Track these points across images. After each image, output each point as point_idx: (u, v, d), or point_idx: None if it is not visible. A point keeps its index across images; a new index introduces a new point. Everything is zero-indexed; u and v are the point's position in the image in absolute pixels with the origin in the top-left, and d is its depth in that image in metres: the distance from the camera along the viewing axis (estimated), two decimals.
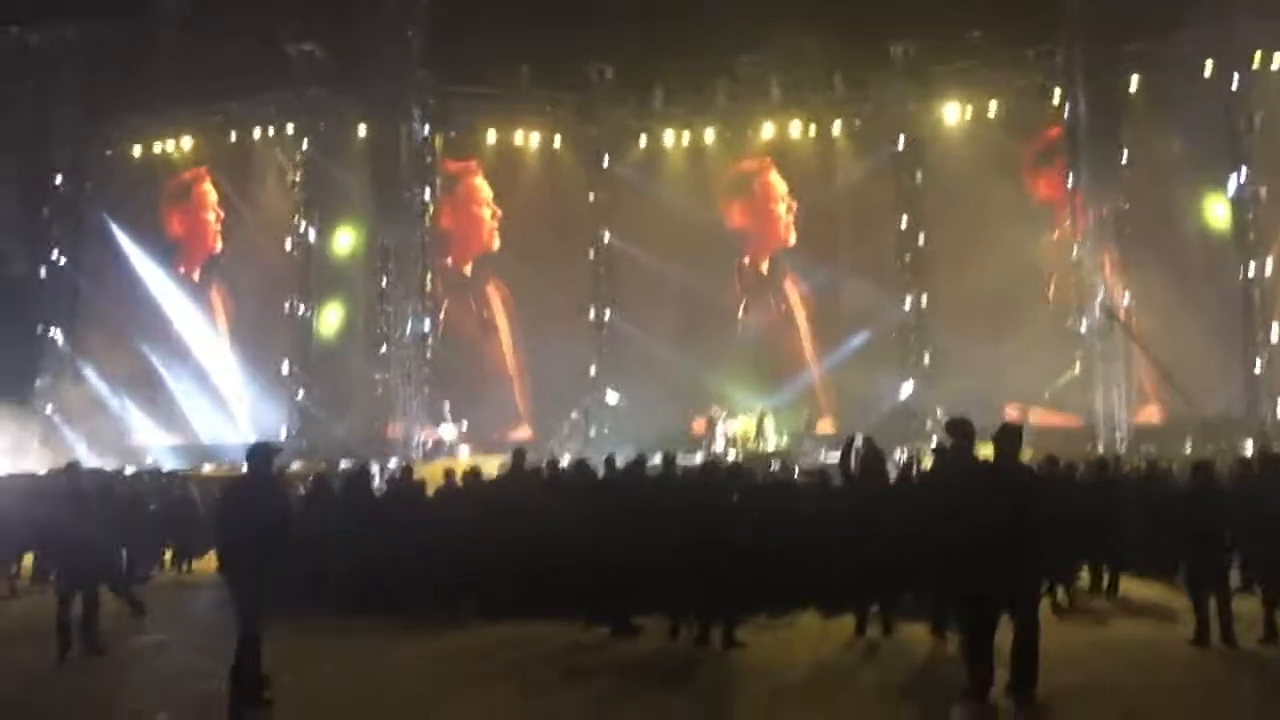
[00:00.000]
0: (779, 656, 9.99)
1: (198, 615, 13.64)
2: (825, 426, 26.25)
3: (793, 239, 29.81)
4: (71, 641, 10.41)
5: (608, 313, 30.07)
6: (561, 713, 8.45)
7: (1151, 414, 24.60)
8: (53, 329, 30.30)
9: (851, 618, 10.92)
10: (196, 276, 30.83)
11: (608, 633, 10.93)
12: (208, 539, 17.98)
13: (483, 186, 30.45)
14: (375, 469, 17.30)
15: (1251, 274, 23.99)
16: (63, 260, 30.75)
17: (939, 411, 25.92)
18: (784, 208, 29.86)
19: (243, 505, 8.48)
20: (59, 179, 30.70)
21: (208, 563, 18.25)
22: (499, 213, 30.39)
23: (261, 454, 8.73)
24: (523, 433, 28.31)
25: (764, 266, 29.87)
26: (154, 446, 29.42)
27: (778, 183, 29.92)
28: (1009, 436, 8.36)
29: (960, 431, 8.94)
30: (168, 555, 17.56)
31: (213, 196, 30.98)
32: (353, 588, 10.51)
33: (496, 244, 30.45)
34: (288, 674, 8.69)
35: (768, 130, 29.80)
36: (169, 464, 26.88)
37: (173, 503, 17.56)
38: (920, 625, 10.76)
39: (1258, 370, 23.62)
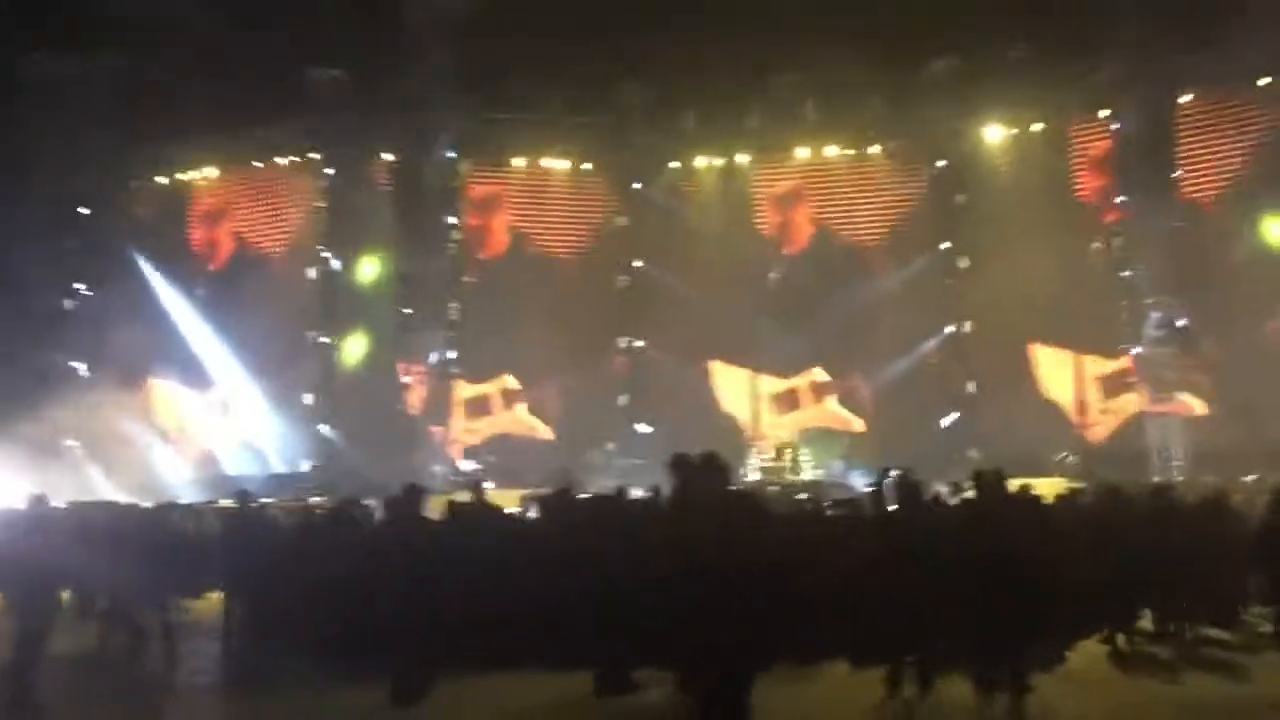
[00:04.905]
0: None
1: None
2: (863, 457, 25.05)
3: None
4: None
5: (639, 341, 29.14)
6: None
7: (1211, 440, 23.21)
8: (75, 362, 29.78)
9: (884, 669, 9.73)
10: (221, 307, 30.26)
11: (592, 690, 9.56)
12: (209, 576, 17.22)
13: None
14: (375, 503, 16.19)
15: None
16: (86, 292, 30.37)
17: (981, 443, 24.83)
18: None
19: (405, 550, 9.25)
20: (84, 209, 30.30)
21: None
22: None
23: (417, 496, 9.84)
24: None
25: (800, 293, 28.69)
26: (177, 480, 28.85)
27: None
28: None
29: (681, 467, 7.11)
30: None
31: (237, 226, 30.53)
32: (328, 638, 9.43)
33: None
34: None
35: (803, 153, 28.95)
36: (190, 497, 26.27)
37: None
38: (963, 680, 9.59)
39: None
